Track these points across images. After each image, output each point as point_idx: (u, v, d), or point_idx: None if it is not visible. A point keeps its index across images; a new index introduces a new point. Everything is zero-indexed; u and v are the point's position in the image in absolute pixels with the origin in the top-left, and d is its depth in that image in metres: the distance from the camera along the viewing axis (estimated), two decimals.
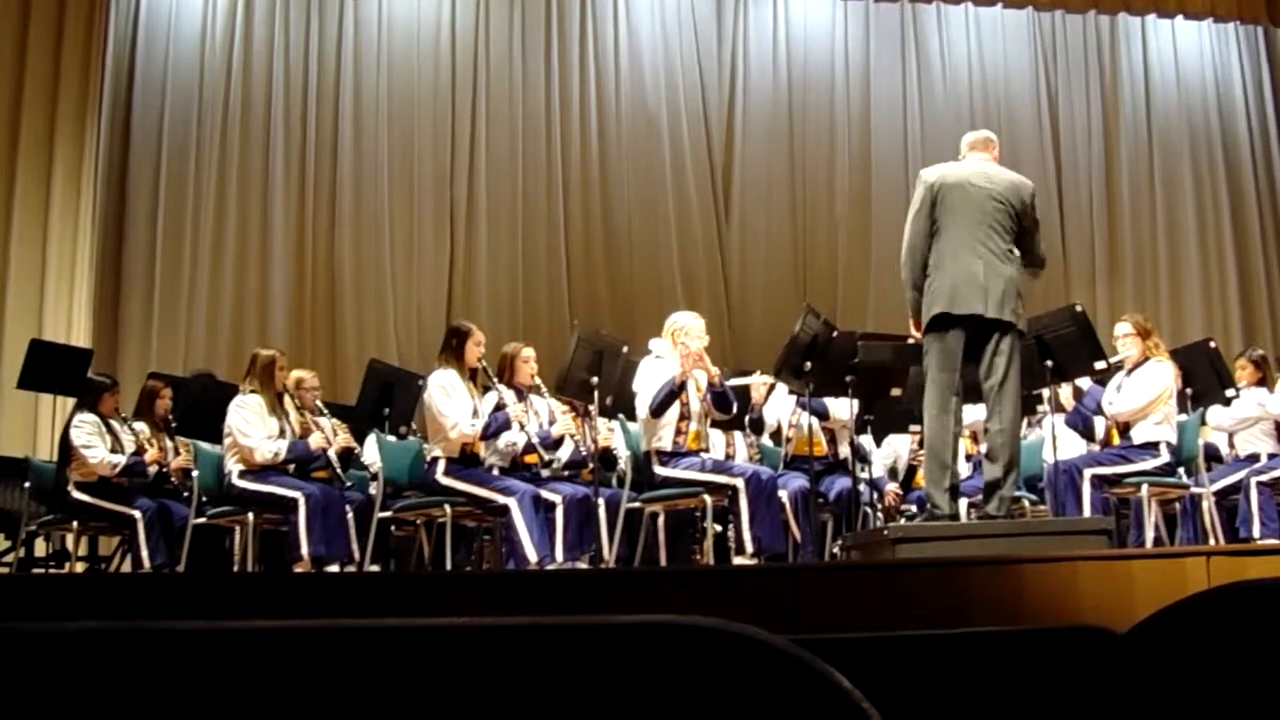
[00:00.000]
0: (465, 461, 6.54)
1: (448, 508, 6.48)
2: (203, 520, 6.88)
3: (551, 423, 6.93)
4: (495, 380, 6.75)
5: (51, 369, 7.40)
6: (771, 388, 7.45)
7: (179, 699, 0.75)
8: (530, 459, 6.76)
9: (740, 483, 6.38)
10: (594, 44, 11.60)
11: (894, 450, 8.19)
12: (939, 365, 5.42)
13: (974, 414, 6.51)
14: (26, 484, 7.39)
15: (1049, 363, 6.42)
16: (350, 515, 6.63)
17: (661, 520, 6.80)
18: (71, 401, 7.47)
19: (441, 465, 6.51)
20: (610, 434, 7.45)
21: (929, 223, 5.52)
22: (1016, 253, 5.49)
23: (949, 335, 5.41)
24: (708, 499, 6.49)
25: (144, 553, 6.87)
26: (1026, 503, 7.27)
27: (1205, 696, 0.96)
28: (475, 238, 11.06)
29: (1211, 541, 6.80)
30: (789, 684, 0.78)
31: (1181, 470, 6.90)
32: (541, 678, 0.76)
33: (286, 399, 6.97)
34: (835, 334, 6.70)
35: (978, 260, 5.38)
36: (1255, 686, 0.94)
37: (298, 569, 6.36)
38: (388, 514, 6.75)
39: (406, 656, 0.76)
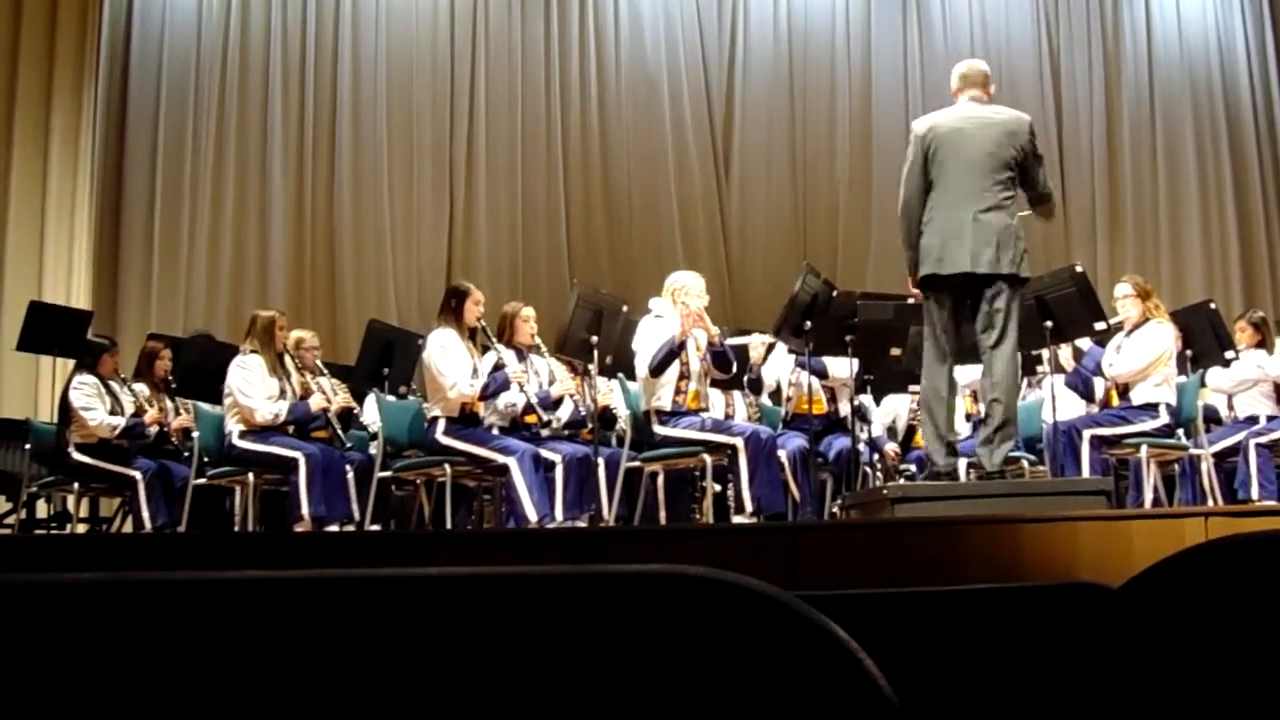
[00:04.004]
0: (465, 421, 6.55)
1: (448, 467, 6.49)
2: (203, 481, 6.88)
3: (551, 382, 6.93)
4: (494, 340, 6.76)
5: (51, 331, 7.40)
6: (770, 347, 7.45)
7: (184, 649, 0.76)
8: (530, 419, 6.76)
9: (739, 442, 6.39)
10: (593, 3, 11.53)
11: (893, 410, 8.19)
12: (932, 324, 5.41)
13: (973, 373, 6.52)
14: (27, 446, 7.41)
15: (1049, 323, 6.42)
16: (350, 475, 6.64)
17: (661, 479, 6.81)
18: (71, 363, 7.47)
19: (441, 425, 6.53)
20: (610, 393, 7.45)
21: (923, 178, 5.43)
22: (1017, 197, 5.41)
23: (941, 294, 5.39)
24: (707, 458, 6.50)
25: (145, 513, 6.88)
26: (1025, 463, 7.29)
27: (1199, 649, 0.96)
28: (475, 198, 11.04)
29: (1210, 503, 6.81)
30: (781, 633, 0.78)
31: (1180, 432, 6.90)
32: (534, 625, 0.76)
33: (287, 359, 6.96)
34: (835, 293, 6.69)
35: (969, 215, 5.28)
36: (1248, 640, 0.94)
37: (298, 529, 6.37)
38: (388, 474, 6.77)
39: (401, 606, 0.76)
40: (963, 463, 6.95)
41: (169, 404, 7.52)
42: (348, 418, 7.31)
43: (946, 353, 5.40)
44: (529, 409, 6.74)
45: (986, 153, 5.37)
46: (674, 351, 6.55)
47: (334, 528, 6.46)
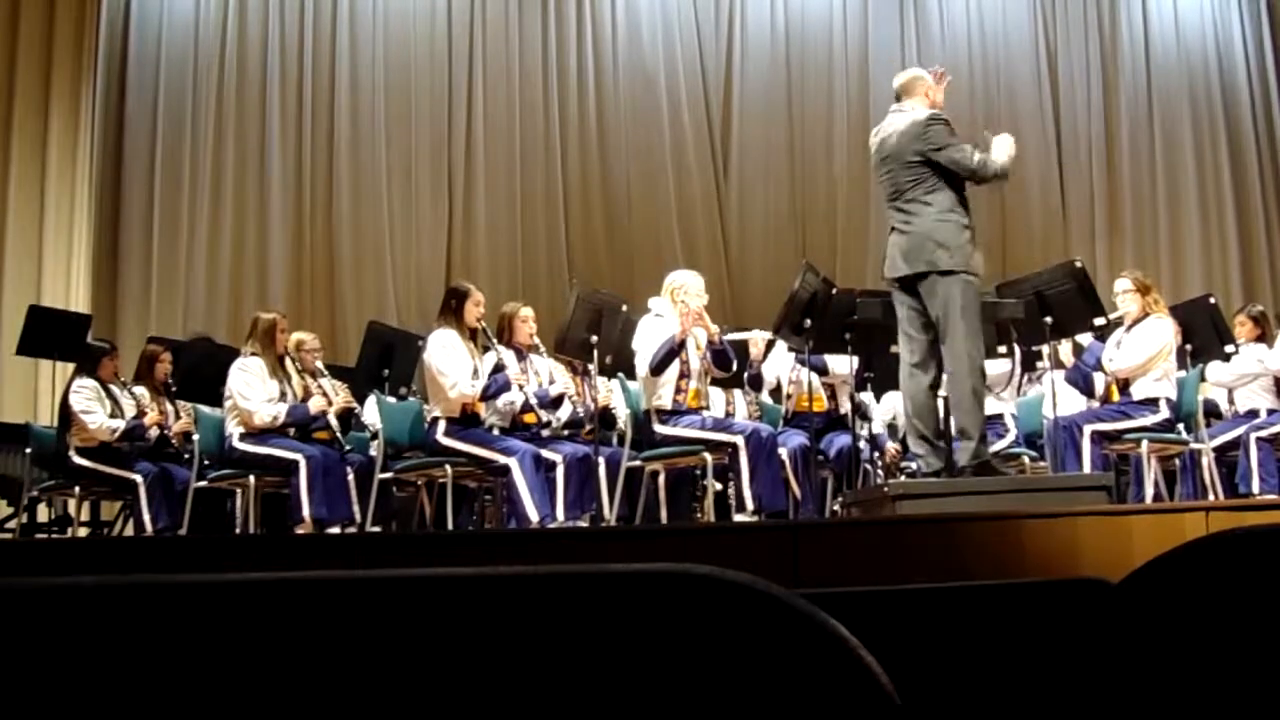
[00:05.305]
0: (465, 422, 6.55)
1: (448, 468, 6.49)
2: (204, 484, 6.88)
3: (551, 382, 6.94)
4: (494, 341, 6.76)
5: (50, 335, 7.40)
6: (770, 344, 7.45)
7: (186, 652, 0.76)
8: (529, 418, 6.76)
9: (740, 440, 6.39)
10: (591, 3, 11.54)
11: (893, 407, 8.18)
12: (899, 329, 5.62)
13: None
14: (28, 450, 7.40)
15: (1048, 319, 6.41)
16: (351, 477, 6.64)
17: (662, 479, 6.81)
18: (71, 367, 7.47)
19: (442, 426, 6.53)
20: (610, 393, 7.45)
21: None
22: (934, 198, 5.47)
23: (899, 296, 5.60)
24: (708, 457, 6.50)
25: (146, 516, 6.87)
26: (1026, 459, 7.29)
27: (1200, 643, 0.97)
28: (474, 198, 11.04)
29: (1211, 497, 6.81)
30: (783, 631, 0.78)
31: (1181, 426, 6.90)
32: (537, 626, 0.77)
33: (288, 361, 6.96)
34: (834, 291, 6.69)
35: (891, 226, 5.57)
36: (1249, 633, 0.94)
37: (299, 531, 6.37)
38: (388, 475, 6.76)
39: (403, 607, 0.76)
40: None
41: (169, 407, 7.52)
42: (348, 418, 7.30)
43: (913, 353, 5.55)
44: (527, 408, 6.74)
45: (895, 165, 5.56)
46: (674, 350, 6.55)
47: (335, 529, 6.45)
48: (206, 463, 6.95)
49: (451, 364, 6.51)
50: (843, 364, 7.03)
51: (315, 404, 6.82)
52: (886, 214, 5.66)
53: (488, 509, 7.39)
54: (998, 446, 6.95)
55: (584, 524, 6.33)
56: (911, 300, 5.52)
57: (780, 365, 7.59)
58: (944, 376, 5.59)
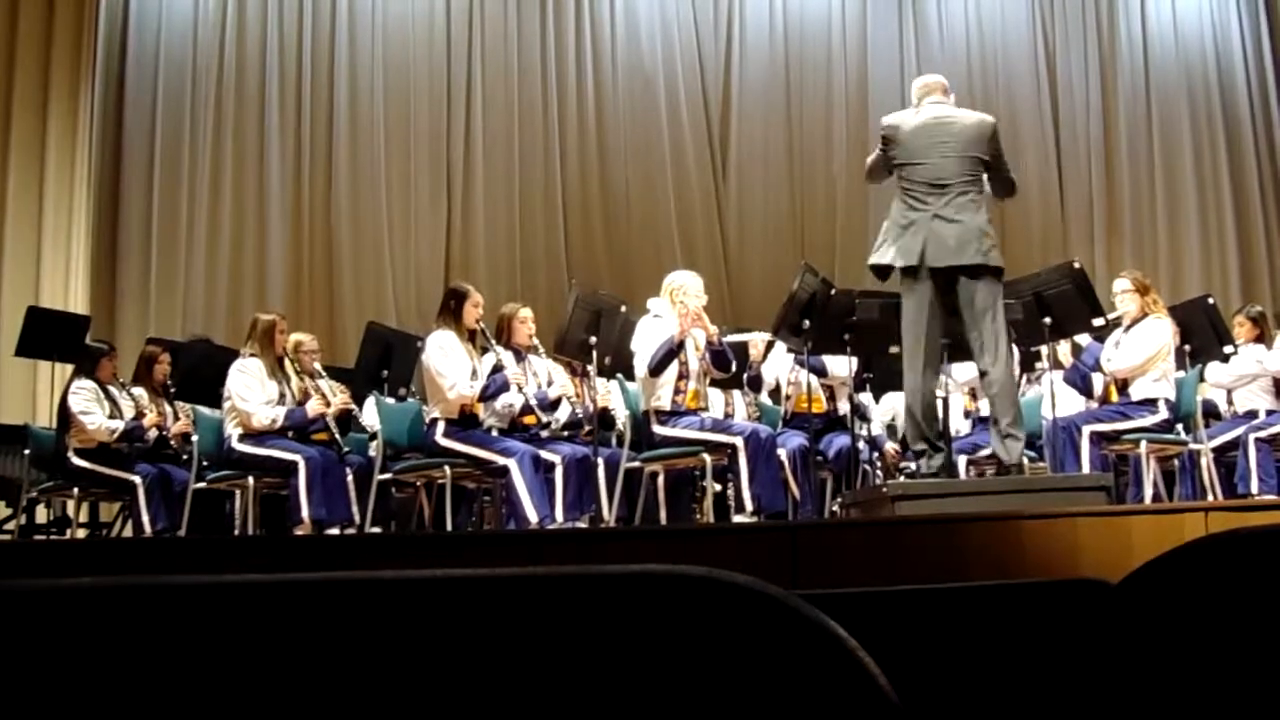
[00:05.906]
0: (464, 423, 6.55)
1: (447, 469, 6.49)
2: (203, 485, 6.88)
3: (549, 384, 6.93)
4: (493, 342, 6.75)
5: (49, 336, 7.40)
6: (770, 345, 7.46)
7: (185, 654, 0.76)
8: (528, 420, 6.76)
9: (739, 441, 6.39)
10: (590, 4, 11.54)
11: (892, 408, 8.19)
12: (911, 321, 5.47)
13: (969, 371, 6.54)
14: (26, 451, 7.40)
15: (1047, 319, 6.41)
16: (350, 478, 6.64)
17: (661, 479, 6.81)
18: (70, 368, 7.47)
19: (441, 427, 6.52)
20: (609, 394, 7.45)
21: (883, 169, 5.63)
22: (981, 195, 5.47)
23: (919, 290, 5.44)
24: (707, 458, 6.49)
25: (145, 518, 6.87)
26: (1025, 460, 7.28)
27: (1198, 644, 0.96)
28: (472, 198, 11.04)
29: (1210, 498, 6.81)
30: (781, 632, 0.78)
31: (1180, 427, 6.90)
32: (535, 626, 0.77)
33: (287, 363, 6.96)
34: (833, 292, 6.69)
35: (936, 214, 5.38)
36: (1248, 634, 0.94)
37: (299, 532, 6.37)
38: (387, 476, 6.76)
39: (403, 608, 0.76)
40: (962, 460, 6.96)
41: (168, 408, 7.52)
42: (347, 419, 7.29)
43: (926, 351, 5.44)
44: (527, 410, 6.73)
45: (961, 152, 5.46)
46: (673, 351, 6.54)
47: (334, 530, 6.45)
48: (205, 464, 6.95)
49: (450, 365, 6.50)
50: (841, 365, 7.03)
51: (313, 407, 6.81)
52: (907, 195, 5.47)
53: (487, 510, 7.39)
54: None
55: (583, 525, 6.33)
56: (935, 294, 5.42)
57: (779, 366, 7.59)
58: (941, 373, 5.58)
